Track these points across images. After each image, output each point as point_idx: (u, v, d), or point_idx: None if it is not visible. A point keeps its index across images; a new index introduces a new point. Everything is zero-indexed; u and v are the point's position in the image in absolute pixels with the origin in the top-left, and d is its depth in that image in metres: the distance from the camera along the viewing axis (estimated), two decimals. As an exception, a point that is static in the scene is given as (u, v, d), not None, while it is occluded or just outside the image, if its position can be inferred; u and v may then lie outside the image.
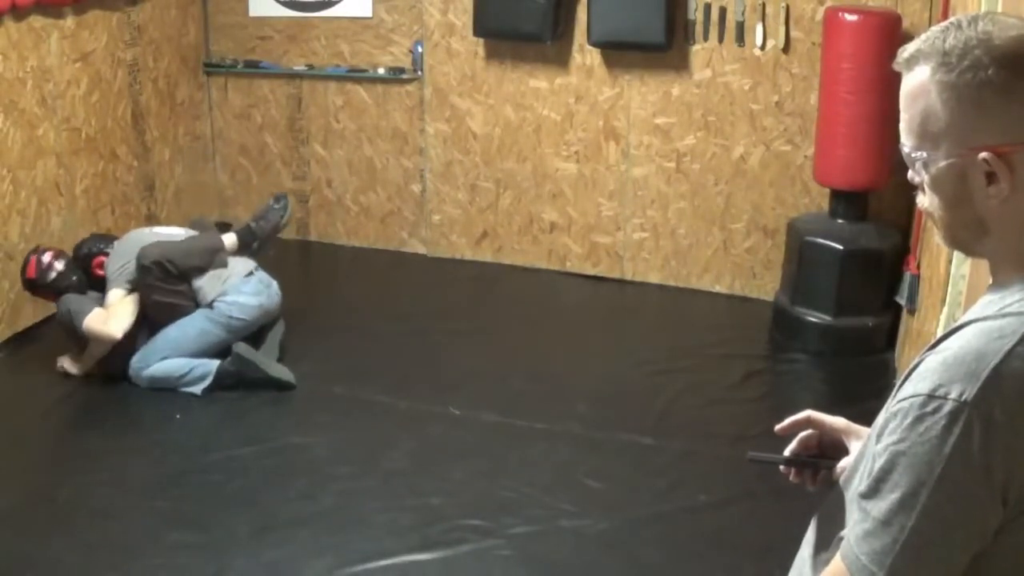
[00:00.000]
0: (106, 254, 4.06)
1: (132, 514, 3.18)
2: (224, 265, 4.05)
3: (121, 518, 3.16)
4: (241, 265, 4.12)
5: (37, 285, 4.05)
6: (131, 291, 3.96)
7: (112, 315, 3.89)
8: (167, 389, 3.91)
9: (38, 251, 4.07)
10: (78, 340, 3.96)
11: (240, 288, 4.02)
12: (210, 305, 3.96)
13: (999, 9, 2.53)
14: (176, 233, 4.17)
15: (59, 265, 4.03)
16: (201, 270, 3.99)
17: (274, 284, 4.19)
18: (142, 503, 3.25)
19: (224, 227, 4.53)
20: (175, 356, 3.91)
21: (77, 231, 4.62)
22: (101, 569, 2.91)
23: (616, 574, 2.96)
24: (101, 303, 3.96)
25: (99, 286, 4.05)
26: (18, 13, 4.21)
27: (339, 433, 3.67)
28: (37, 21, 4.34)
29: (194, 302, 3.98)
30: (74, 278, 4.05)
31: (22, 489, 3.31)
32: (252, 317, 4.03)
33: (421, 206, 5.41)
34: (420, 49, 5.13)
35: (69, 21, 4.53)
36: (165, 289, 3.90)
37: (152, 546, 3.01)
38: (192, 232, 4.20)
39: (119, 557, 2.96)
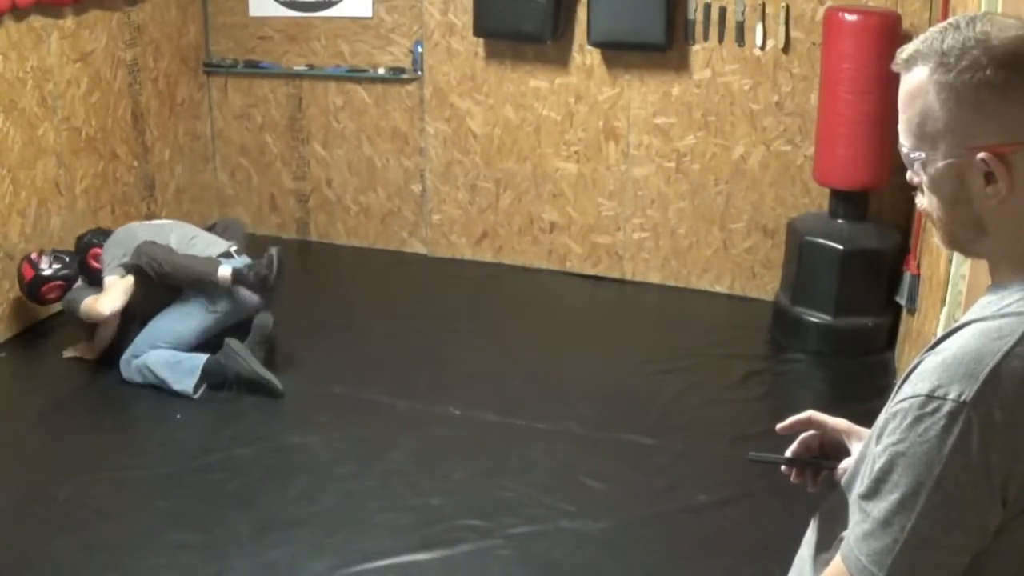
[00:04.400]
0: (101, 246, 4.18)
1: (132, 514, 3.19)
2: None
3: (121, 518, 3.16)
4: (220, 245, 4.13)
5: (37, 284, 4.15)
6: (124, 276, 4.07)
7: (103, 296, 4.03)
8: (157, 387, 3.90)
9: (25, 258, 4.22)
10: (88, 328, 4.15)
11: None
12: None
13: (999, 9, 2.52)
14: (165, 224, 4.34)
15: (46, 260, 4.17)
16: (179, 283, 4.01)
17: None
18: (142, 503, 3.25)
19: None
20: (166, 345, 3.94)
21: (77, 231, 4.62)
22: (101, 569, 2.91)
23: (616, 574, 2.96)
24: (97, 294, 4.08)
25: (95, 279, 4.14)
26: (18, 13, 4.21)
27: (339, 433, 3.67)
28: (37, 21, 4.34)
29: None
30: (67, 271, 4.19)
31: (22, 489, 3.31)
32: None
33: (421, 206, 5.41)
34: (420, 49, 5.13)
35: (69, 21, 4.53)
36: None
37: (152, 546, 3.01)
38: (212, 236, 4.24)
39: (119, 557, 2.96)
